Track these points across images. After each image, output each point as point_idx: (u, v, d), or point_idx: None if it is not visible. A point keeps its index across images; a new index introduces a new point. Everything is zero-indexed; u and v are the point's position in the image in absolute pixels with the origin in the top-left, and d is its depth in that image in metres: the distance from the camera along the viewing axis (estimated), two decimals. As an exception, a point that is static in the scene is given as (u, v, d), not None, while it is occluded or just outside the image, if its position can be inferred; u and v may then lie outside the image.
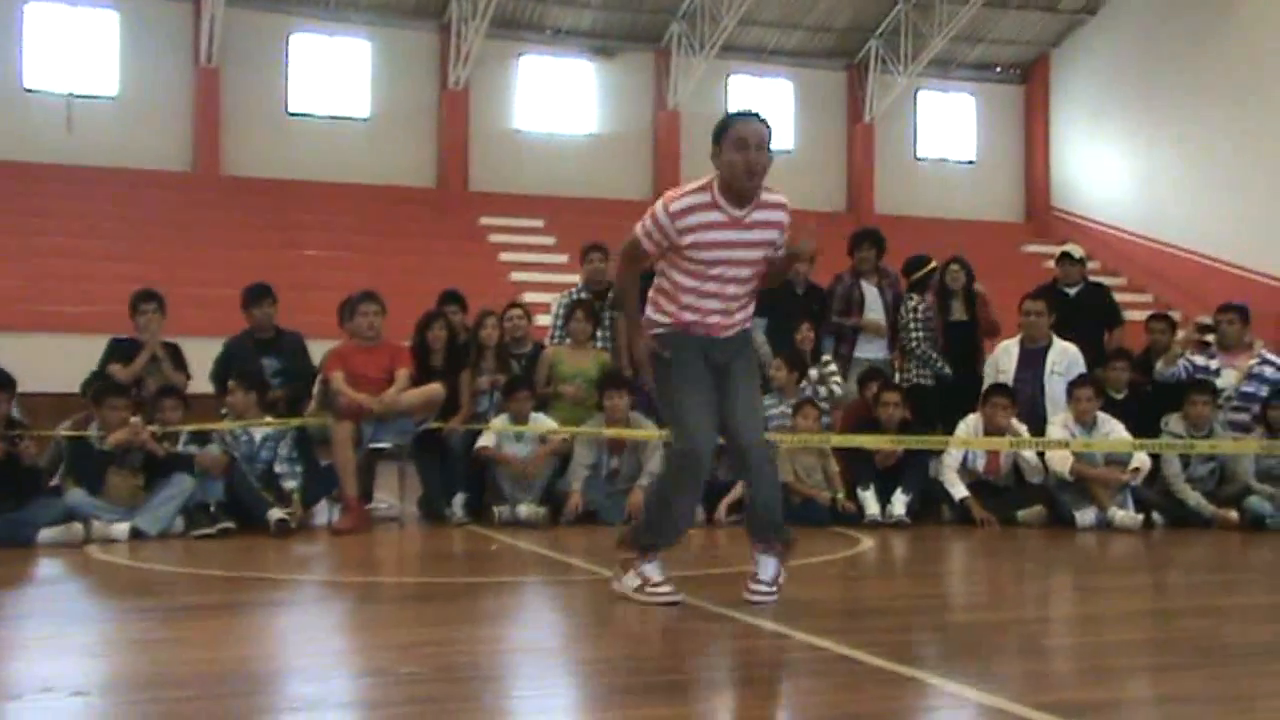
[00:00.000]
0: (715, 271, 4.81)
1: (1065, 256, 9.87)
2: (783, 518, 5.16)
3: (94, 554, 6.55)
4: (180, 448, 7.58)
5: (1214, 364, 9.04)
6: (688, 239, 4.75)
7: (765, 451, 5.13)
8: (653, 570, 4.99)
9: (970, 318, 9.62)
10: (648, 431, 8.22)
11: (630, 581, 5.04)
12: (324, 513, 8.02)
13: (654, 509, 5.13)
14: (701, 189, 4.80)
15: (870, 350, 9.60)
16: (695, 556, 6.71)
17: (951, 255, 9.95)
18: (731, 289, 4.88)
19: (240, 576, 6.00)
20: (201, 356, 8.76)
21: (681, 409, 4.91)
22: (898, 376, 9.48)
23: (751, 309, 5.05)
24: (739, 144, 4.70)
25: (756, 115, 4.79)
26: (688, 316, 4.91)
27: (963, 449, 8.48)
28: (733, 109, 5.02)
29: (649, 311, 5.04)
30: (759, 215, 4.79)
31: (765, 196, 4.80)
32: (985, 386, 8.78)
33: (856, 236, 9.94)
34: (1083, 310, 9.56)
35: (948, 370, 9.46)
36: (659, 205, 4.79)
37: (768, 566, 5.02)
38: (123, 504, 7.22)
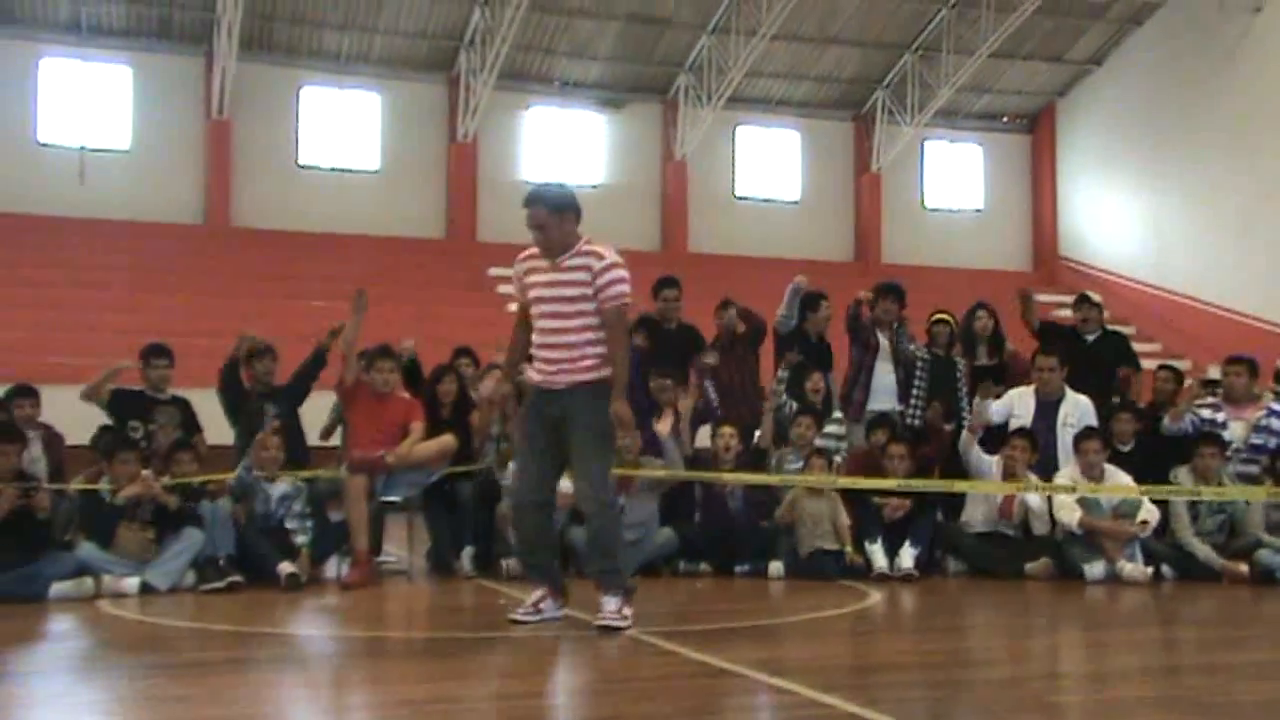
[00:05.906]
0: (537, 309, 5.85)
1: (1084, 300, 9.77)
2: (618, 566, 5.83)
3: (105, 608, 6.57)
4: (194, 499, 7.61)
5: (1220, 416, 9.02)
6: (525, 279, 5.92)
7: (594, 506, 5.83)
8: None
9: (997, 362, 9.58)
10: (657, 470, 8.23)
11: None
12: (333, 566, 8.04)
13: None
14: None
15: (881, 403, 9.47)
16: (703, 610, 6.71)
17: (977, 301, 9.89)
18: (553, 324, 5.78)
19: (249, 631, 6.02)
20: (209, 408, 8.81)
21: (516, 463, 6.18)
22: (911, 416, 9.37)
23: (588, 364, 5.74)
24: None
25: (530, 199, 5.81)
26: (532, 371, 5.91)
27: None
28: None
29: None
30: (574, 262, 5.79)
31: (583, 247, 5.80)
32: (1009, 430, 8.76)
33: (882, 289, 9.56)
34: (1101, 357, 9.53)
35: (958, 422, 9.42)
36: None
37: (609, 602, 5.71)
38: (133, 558, 7.24)
